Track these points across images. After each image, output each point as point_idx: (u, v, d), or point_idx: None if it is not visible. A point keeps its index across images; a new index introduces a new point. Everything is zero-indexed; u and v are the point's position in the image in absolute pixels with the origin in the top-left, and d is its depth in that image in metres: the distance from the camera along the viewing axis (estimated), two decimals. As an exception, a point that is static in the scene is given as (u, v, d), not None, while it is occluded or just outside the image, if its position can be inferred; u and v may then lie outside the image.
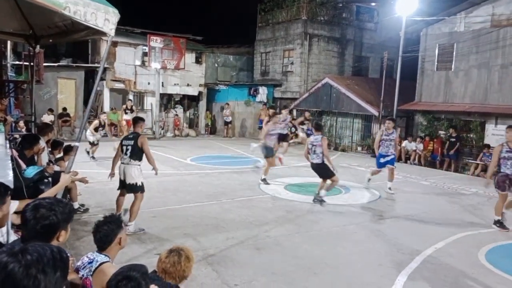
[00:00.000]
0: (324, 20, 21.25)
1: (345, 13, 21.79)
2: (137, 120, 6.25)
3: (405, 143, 15.66)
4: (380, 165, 9.25)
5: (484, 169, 13.00)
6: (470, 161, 13.98)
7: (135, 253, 5.04)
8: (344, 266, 5.08)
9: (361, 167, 13.02)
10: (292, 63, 21.45)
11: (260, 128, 21.73)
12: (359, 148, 17.88)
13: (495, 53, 13.92)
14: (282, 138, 10.17)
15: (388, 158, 9.13)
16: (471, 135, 14.56)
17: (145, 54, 19.80)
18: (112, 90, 19.70)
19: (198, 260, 4.92)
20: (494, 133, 13.92)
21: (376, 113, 17.11)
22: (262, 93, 21.68)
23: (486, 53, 14.16)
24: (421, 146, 14.93)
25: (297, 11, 21.06)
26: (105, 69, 18.53)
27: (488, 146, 13.36)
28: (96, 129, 11.74)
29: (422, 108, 16.05)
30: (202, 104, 22.46)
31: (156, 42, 18.92)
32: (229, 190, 8.85)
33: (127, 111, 17.16)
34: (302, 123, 13.44)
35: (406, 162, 15.05)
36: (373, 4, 21.98)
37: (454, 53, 15.14)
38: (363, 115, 17.97)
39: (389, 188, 9.04)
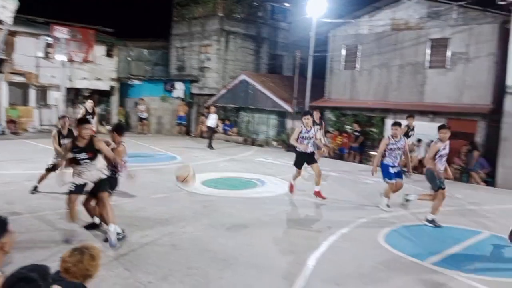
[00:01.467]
0: (240, 17, 21.52)
1: (261, 12, 22.31)
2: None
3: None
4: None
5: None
6: (372, 153, 15.20)
7: (39, 257, 4.71)
8: (258, 255, 5.26)
9: (276, 161, 13.49)
10: (209, 59, 21.40)
11: (179, 124, 21.46)
12: (275, 143, 18.48)
13: (394, 54, 15.29)
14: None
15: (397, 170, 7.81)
16: (374, 129, 15.84)
17: (49, 45, 18.34)
18: (11, 83, 17.94)
19: (109, 260, 4.75)
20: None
21: (290, 110, 17.83)
22: (179, 88, 21.35)
23: (386, 54, 15.48)
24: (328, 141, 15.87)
25: (213, 7, 21.05)
26: (2, 61, 16.82)
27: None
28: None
29: (331, 104, 17.07)
30: (115, 99, 21.46)
31: (62, 32, 17.60)
32: (143, 187, 8.61)
33: (88, 116, 11.76)
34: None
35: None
36: (286, 4, 22.76)
37: (359, 53, 16.32)
38: (278, 111, 18.60)
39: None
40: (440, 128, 7.23)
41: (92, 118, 11.85)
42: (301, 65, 18.09)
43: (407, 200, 7.49)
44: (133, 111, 21.33)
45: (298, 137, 7.97)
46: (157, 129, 21.21)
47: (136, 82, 21.61)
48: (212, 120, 16.07)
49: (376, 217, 7.30)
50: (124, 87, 21.76)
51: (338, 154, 15.74)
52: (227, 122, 20.10)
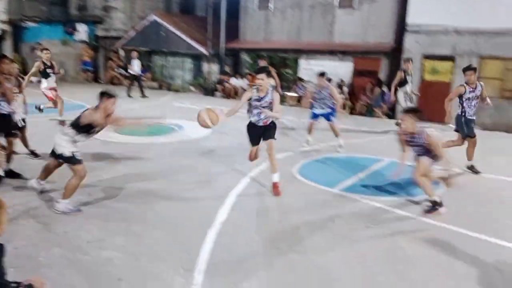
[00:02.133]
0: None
1: None
2: None
3: (232, 80, 16.54)
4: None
5: (298, 100, 14.83)
6: (287, 93, 15.66)
7: None
8: (176, 199, 5.31)
9: (194, 106, 13.33)
10: (114, -2, 19.71)
11: (85, 70, 19.83)
12: (191, 88, 18.14)
13: (305, -6, 15.39)
14: None
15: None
16: (288, 70, 16.20)
17: None
18: None
19: (18, 214, 4.50)
20: (305, 68, 15.80)
21: (206, 52, 17.42)
22: (82, 31, 19.56)
23: (298, -6, 15.52)
24: (243, 83, 15.98)
25: None
26: None
27: (300, 79, 15.15)
28: None
29: (246, 46, 16.97)
30: (7, 44, 19.09)
31: None
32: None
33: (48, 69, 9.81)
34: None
35: (235, 97, 16.00)
36: None
37: (272, -8, 16.16)
38: (193, 54, 18.07)
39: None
40: (464, 70, 6.79)
41: None
42: (215, 4, 17.49)
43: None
44: (30, 57, 19.22)
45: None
46: (60, 76, 19.47)
47: (31, 24, 19.30)
48: (135, 66, 15.09)
49: (291, 154, 7.70)
50: (17, 31, 19.37)
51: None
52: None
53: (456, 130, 6.94)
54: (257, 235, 4.29)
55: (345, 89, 14.33)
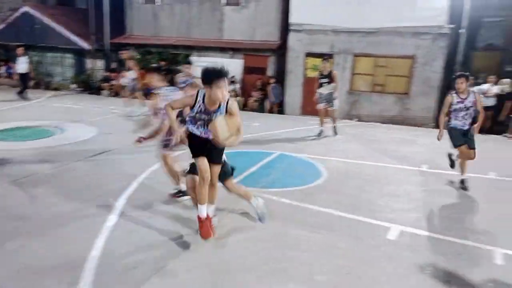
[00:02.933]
0: None
1: None
2: None
3: (122, 78, 15.75)
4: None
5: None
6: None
7: None
8: (64, 202, 4.93)
9: (77, 105, 12.41)
10: (-26, -15, 17.28)
11: None
12: (73, 86, 16.82)
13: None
14: None
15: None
16: (179, 67, 15.96)
17: None
18: None
19: None
20: (197, 65, 15.71)
21: (88, 47, 16.30)
22: None
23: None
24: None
25: None
26: None
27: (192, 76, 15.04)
28: None
29: (134, 41, 16.28)
30: None
31: None
32: None
33: None
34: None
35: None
36: None
37: (158, -13, 15.73)
38: (74, 49, 16.75)
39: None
40: (455, 77, 6.14)
41: None
42: (96, -4, 16.43)
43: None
44: None
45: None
46: None
47: None
48: (21, 64, 13.43)
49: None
50: None
51: (145, 94, 15.39)
52: (10, 64, 17.11)
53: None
54: (148, 240, 4.19)
55: (237, 85, 14.66)
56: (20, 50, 13.71)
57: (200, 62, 15.67)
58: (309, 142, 8.98)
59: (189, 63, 7.31)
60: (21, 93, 13.44)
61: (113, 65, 16.60)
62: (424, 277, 3.66)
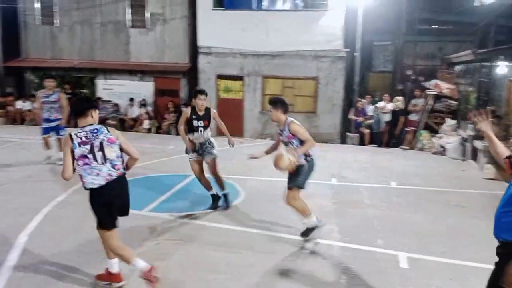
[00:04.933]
0: None
1: None
2: None
3: (19, 103, 14.47)
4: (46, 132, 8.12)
5: (102, 121, 13.99)
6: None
7: None
8: None
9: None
10: None
11: None
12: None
13: (95, 11, 14.68)
14: None
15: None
16: (85, 90, 15.13)
17: None
18: None
19: None
20: (105, 87, 15.08)
21: (-24, 71, 14.71)
22: None
23: (86, 11, 14.70)
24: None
25: None
26: None
27: (100, 99, 14.38)
28: None
29: (31, 64, 15.10)
30: None
31: None
32: None
33: None
34: None
35: (22, 123, 14.00)
36: None
37: (56, 8, 14.85)
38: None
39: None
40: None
41: None
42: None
43: None
44: None
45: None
46: None
47: None
48: None
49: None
50: None
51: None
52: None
53: None
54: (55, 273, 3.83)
55: (149, 108, 14.28)
56: None
57: (107, 85, 15.07)
58: (225, 162, 9.02)
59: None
60: None
61: (9, 89, 15.18)
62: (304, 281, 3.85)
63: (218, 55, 13.55)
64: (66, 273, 3.91)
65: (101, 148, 3.48)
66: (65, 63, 14.85)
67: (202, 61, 13.64)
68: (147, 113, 14.10)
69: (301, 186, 4.59)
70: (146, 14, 14.40)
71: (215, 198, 5.88)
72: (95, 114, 3.65)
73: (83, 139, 3.45)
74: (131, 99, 14.36)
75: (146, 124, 13.93)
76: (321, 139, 12.98)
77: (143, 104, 14.21)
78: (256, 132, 13.60)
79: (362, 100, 12.85)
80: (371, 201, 6.50)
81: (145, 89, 14.71)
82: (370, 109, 12.63)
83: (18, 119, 14.31)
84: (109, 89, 15.03)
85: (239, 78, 13.65)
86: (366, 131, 12.47)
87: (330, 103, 13.18)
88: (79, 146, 3.42)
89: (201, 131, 5.66)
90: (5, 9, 14.72)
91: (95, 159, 3.44)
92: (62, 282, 3.74)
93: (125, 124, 14.16)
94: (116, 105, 14.45)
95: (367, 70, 16.16)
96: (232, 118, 13.70)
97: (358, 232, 5.20)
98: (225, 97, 13.90)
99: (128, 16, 14.51)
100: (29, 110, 14.14)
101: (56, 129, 8.07)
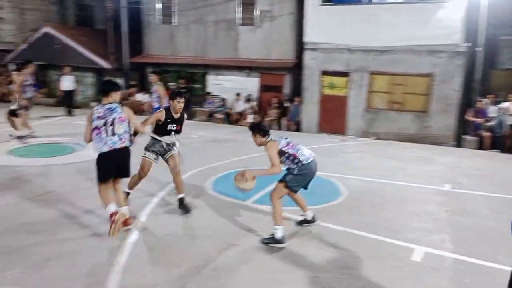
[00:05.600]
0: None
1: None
2: None
3: (138, 96, 16.02)
4: None
5: (210, 115, 14.90)
6: (197, 108, 15.62)
7: None
8: (81, 223, 4.95)
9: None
10: (0, 8, 17.92)
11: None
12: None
13: (208, 11, 15.55)
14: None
15: None
16: (197, 85, 16.17)
17: None
18: None
19: None
20: (214, 83, 15.94)
21: (108, 66, 16.65)
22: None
23: (201, 10, 15.64)
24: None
25: None
26: None
27: (209, 94, 15.26)
28: None
29: (151, 61, 16.59)
30: None
31: None
32: None
33: None
34: None
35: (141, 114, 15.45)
36: None
37: (174, 8, 16.05)
38: (94, 68, 17.12)
39: None
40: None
41: None
42: (115, 17, 16.84)
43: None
44: None
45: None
46: None
47: None
48: (65, 82, 14.31)
49: (202, 169, 7.65)
50: None
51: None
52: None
53: None
54: (169, 257, 4.17)
55: (254, 103, 14.73)
56: (66, 69, 14.58)
57: (216, 80, 15.92)
58: (328, 160, 8.90)
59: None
60: (69, 111, 14.42)
61: (132, 82, 16.89)
62: (453, 300, 3.54)
63: (324, 51, 13.38)
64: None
65: (112, 124, 4.43)
66: (181, 60, 16.02)
67: (307, 57, 13.59)
68: (252, 108, 14.54)
69: (288, 184, 4.53)
70: (255, 12, 14.83)
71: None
72: (116, 95, 4.55)
73: (101, 114, 4.42)
74: (238, 94, 14.95)
75: (250, 118, 14.40)
76: (433, 141, 12.11)
77: (248, 99, 14.68)
78: (360, 131, 13.15)
79: (483, 100, 11.62)
80: (489, 212, 5.85)
81: (251, 84, 15.19)
82: (492, 110, 11.38)
83: (138, 110, 15.86)
84: (218, 84, 15.85)
85: (344, 74, 13.32)
86: (486, 134, 11.26)
87: (445, 102, 12.17)
88: (97, 119, 4.42)
89: (172, 134, 5.34)
90: (131, 10, 16.37)
91: (106, 131, 4.43)
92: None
93: (231, 118, 14.80)
94: (223, 99, 15.19)
95: (491, 67, 14.52)
96: (335, 115, 13.49)
97: (474, 244, 4.72)
98: (329, 93, 13.68)
99: (238, 14, 15.10)
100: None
101: None
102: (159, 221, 5.10)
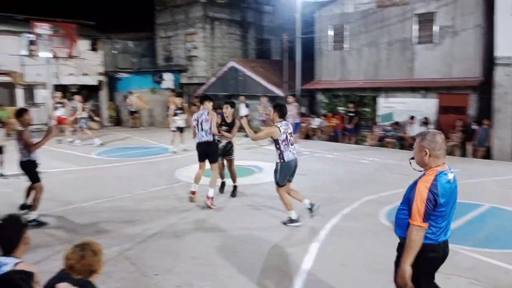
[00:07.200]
0: (223, 2, 21.20)
1: (243, -4, 21.97)
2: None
3: (309, 120, 16.55)
4: None
5: (380, 139, 14.32)
6: (366, 132, 15.23)
7: (43, 255, 4.65)
8: (262, 242, 5.25)
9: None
10: (195, 48, 21.14)
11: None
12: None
13: (381, 32, 15.20)
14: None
15: None
16: (366, 109, 15.82)
17: (31, 42, 17.91)
18: (-4, 84, 17.57)
19: (113, 255, 4.71)
20: (385, 105, 15.33)
21: (282, 94, 17.74)
22: (168, 79, 21.08)
23: (373, 32, 15.39)
24: (325, 123, 15.82)
25: (195, -6, 20.68)
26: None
27: (379, 117, 14.69)
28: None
29: (322, 86, 17.01)
30: (103, 94, 21.14)
31: (43, 28, 17.15)
32: (141, 181, 8.55)
33: (57, 105, 14.35)
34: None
35: (311, 138, 15.91)
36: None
37: (346, 33, 16.19)
38: (269, 96, 18.49)
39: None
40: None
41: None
42: (289, 48, 17.95)
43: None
44: (123, 105, 21.06)
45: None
46: (150, 122, 20.98)
47: (123, 75, 21.30)
48: (242, 110, 15.71)
49: (376, 196, 7.32)
50: (112, 81, 21.44)
51: (332, 136, 15.67)
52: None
53: None
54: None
55: (431, 126, 13.55)
56: (242, 98, 16.05)
57: (387, 103, 15.27)
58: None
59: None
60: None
61: (303, 109, 17.57)
62: None
63: (521, 66, 11.47)
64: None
65: (201, 123, 6.71)
66: (351, 84, 15.97)
67: (499, 73, 11.85)
68: (429, 131, 13.36)
69: (278, 183, 5.66)
70: (434, 28, 13.81)
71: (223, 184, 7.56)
72: (208, 104, 6.83)
73: (196, 117, 6.81)
74: (412, 117, 13.99)
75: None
76: None
77: (424, 122, 13.58)
78: None
79: None
80: None
81: (427, 106, 14.06)
82: None
83: (311, 135, 16.32)
84: (389, 106, 15.17)
85: None
86: None
87: None
88: (195, 120, 6.80)
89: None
90: (305, 39, 17.18)
91: (198, 129, 6.75)
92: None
93: (404, 142, 13.89)
94: (396, 123, 14.40)
95: None
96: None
97: None
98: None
99: (415, 33, 14.29)
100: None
101: None
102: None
